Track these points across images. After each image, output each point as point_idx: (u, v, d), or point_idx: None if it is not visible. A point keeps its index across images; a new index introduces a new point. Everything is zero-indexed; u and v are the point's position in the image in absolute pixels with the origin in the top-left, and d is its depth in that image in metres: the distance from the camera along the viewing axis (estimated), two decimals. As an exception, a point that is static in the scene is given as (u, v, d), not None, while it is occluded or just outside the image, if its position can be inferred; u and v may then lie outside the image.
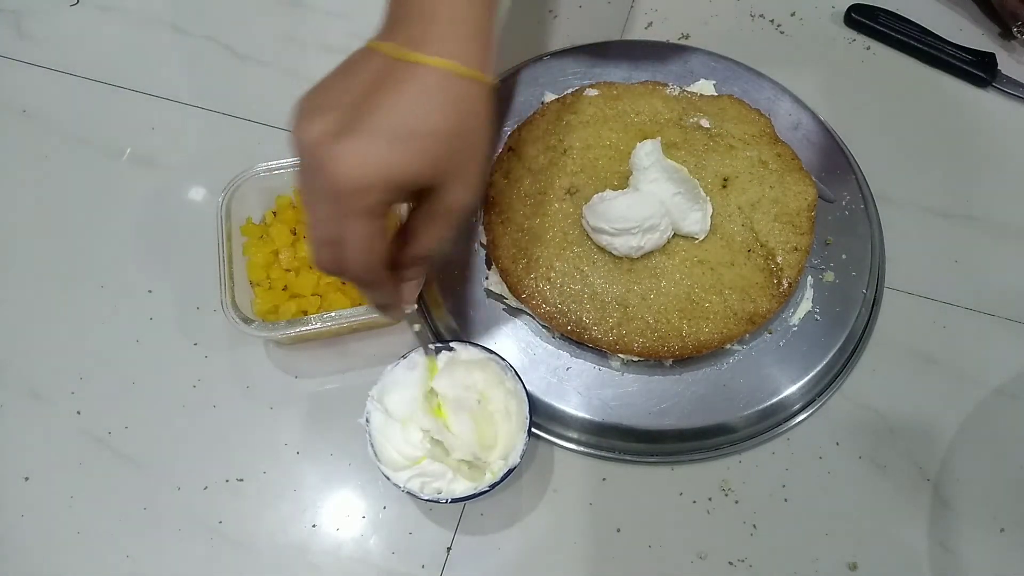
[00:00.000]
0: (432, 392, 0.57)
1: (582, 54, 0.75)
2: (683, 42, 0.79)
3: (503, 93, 0.73)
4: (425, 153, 0.45)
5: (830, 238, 0.67)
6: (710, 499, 0.61)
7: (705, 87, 0.72)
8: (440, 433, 0.54)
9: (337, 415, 0.63)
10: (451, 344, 0.59)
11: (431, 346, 0.58)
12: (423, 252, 0.51)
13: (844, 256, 0.66)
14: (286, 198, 0.67)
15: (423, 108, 0.45)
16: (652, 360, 0.61)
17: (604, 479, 0.62)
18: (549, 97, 0.71)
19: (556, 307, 0.61)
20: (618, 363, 0.62)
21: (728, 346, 0.62)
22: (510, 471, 0.54)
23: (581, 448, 0.62)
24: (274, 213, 0.67)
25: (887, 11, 0.79)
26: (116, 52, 0.78)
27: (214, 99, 0.76)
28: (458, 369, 0.58)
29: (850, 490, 0.61)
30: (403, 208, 0.58)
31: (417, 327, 0.57)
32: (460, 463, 0.55)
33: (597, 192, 0.62)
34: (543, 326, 0.63)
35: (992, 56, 0.77)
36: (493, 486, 0.54)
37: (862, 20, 0.80)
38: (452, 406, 0.56)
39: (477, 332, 0.63)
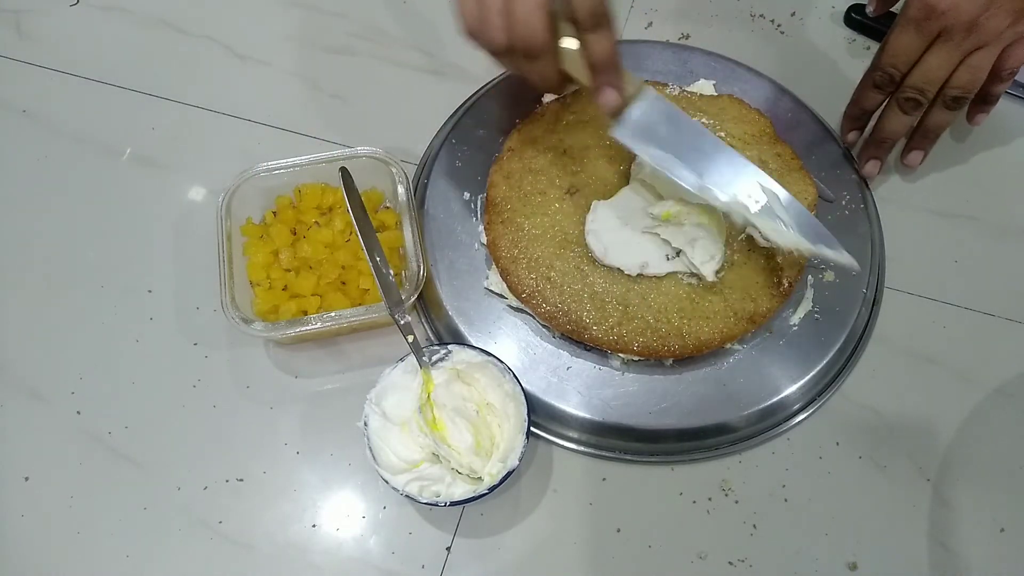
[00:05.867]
0: (428, 404, 0.57)
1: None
2: (683, 42, 0.79)
3: (503, 93, 0.73)
4: None
5: (830, 238, 0.67)
6: (710, 499, 0.61)
7: (705, 87, 0.72)
8: (438, 447, 0.54)
9: (337, 415, 0.63)
10: (449, 347, 0.59)
11: (425, 358, 0.58)
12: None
13: (844, 256, 0.66)
14: (286, 198, 0.67)
15: None
16: (652, 360, 0.61)
17: (604, 479, 0.62)
18: (549, 97, 0.71)
19: (556, 306, 0.61)
20: (618, 362, 0.62)
21: (728, 346, 0.62)
22: (509, 474, 0.54)
23: (581, 448, 0.62)
24: (274, 213, 0.67)
25: (887, 11, 0.79)
26: (116, 52, 0.78)
27: (214, 99, 0.76)
28: (455, 380, 0.58)
29: (850, 490, 0.61)
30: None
31: (411, 338, 0.57)
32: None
33: (597, 193, 0.63)
34: (543, 326, 0.63)
35: (992, 56, 0.77)
36: (492, 489, 0.54)
37: (862, 20, 0.80)
38: (450, 416, 0.56)
39: (477, 332, 0.63)
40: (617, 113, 0.57)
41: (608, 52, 0.54)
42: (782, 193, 0.57)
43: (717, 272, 0.60)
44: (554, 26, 0.52)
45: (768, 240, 0.58)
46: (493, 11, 0.52)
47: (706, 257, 0.60)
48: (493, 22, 0.52)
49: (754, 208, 0.57)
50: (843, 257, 0.57)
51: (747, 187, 0.57)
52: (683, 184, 0.57)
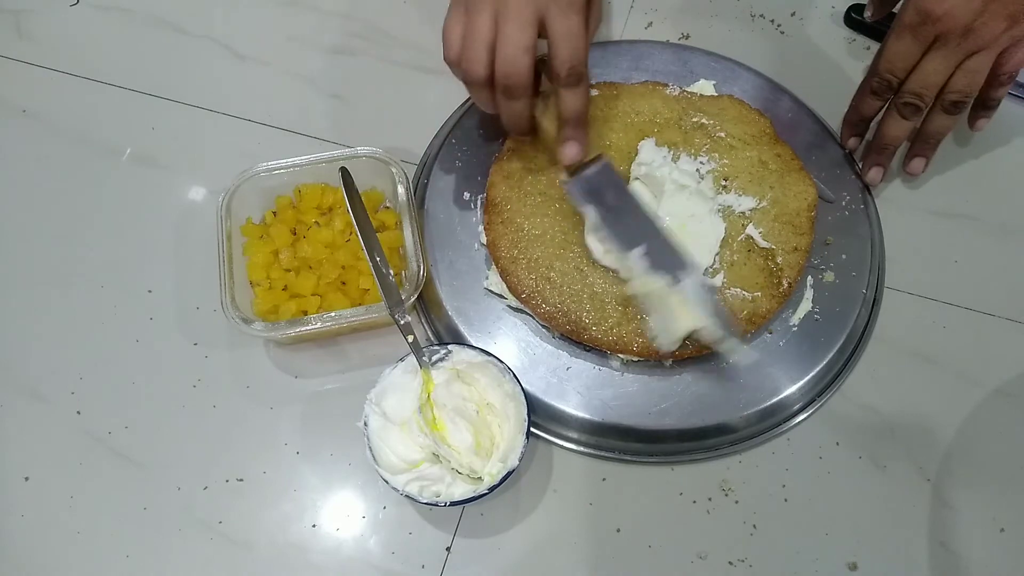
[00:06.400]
0: (428, 404, 0.57)
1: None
2: (683, 42, 0.79)
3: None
4: None
5: (830, 238, 0.67)
6: (710, 499, 0.61)
7: (705, 87, 0.72)
8: (438, 447, 0.54)
9: (337, 415, 0.63)
10: (449, 347, 0.59)
11: (425, 358, 0.58)
12: (567, 62, 0.55)
13: (844, 256, 0.66)
14: (286, 198, 0.67)
15: None
16: (652, 360, 0.61)
17: (604, 479, 0.62)
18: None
19: (556, 307, 0.61)
20: (618, 363, 0.62)
21: (728, 346, 0.62)
22: (509, 474, 0.54)
23: (581, 448, 0.62)
24: (274, 213, 0.67)
25: (885, 15, 0.79)
26: (116, 52, 0.78)
27: (214, 99, 0.76)
28: (456, 380, 0.58)
29: (850, 490, 0.61)
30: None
31: (411, 338, 0.57)
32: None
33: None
34: (543, 326, 0.63)
35: (992, 56, 0.77)
36: (492, 489, 0.54)
37: (862, 20, 0.79)
38: (450, 416, 0.56)
39: (477, 332, 0.63)
40: (574, 170, 0.61)
41: (580, 109, 0.58)
42: (705, 281, 0.59)
43: (674, 344, 0.58)
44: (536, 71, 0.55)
45: (689, 318, 0.58)
46: (479, 44, 0.55)
47: (660, 328, 0.59)
48: (477, 54, 0.55)
49: (674, 286, 0.57)
50: (747, 356, 0.60)
51: (674, 265, 0.58)
52: (614, 248, 0.59)
